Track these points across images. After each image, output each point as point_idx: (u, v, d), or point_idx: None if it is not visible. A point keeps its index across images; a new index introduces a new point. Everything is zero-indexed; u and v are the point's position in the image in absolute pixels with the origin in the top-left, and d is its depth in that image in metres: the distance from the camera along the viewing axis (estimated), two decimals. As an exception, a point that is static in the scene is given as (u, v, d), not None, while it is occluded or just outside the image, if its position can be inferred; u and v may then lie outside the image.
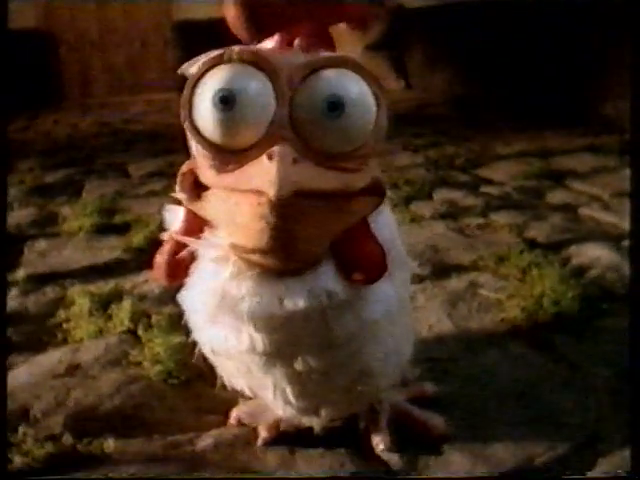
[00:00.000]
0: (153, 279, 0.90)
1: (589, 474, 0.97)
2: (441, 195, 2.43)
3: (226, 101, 0.73)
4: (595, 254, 1.78)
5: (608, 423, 1.07)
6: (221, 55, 0.76)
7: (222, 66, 0.76)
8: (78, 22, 6.39)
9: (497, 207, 2.27)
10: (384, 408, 1.05)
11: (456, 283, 1.62)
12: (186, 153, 0.83)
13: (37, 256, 1.93)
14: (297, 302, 0.79)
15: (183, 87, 0.77)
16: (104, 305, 1.53)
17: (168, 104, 5.44)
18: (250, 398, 1.11)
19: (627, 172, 2.30)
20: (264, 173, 0.71)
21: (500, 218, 2.14)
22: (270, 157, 0.72)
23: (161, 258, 0.88)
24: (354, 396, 0.94)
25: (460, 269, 1.72)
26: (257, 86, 0.75)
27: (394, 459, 1.00)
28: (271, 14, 0.78)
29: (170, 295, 1.56)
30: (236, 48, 0.76)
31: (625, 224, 1.93)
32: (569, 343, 1.32)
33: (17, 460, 1.01)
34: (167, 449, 1.04)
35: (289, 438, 1.04)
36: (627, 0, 2.70)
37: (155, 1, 6.33)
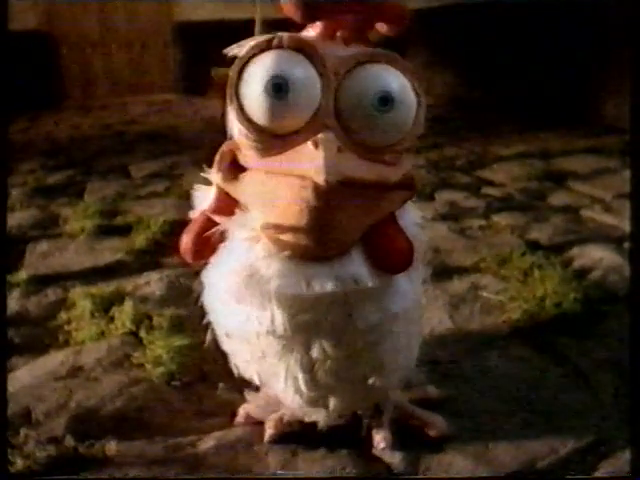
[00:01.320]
0: (178, 256, 0.91)
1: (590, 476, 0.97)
2: (443, 196, 2.43)
3: (279, 88, 0.75)
4: (597, 256, 1.78)
5: (611, 425, 1.07)
6: (270, 40, 0.78)
7: (272, 51, 0.77)
8: (79, 23, 6.38)
9: (499, 209, 2.27)
10: (388, 408, 1.05)
11: (458, 285, 1.62)
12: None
13: (39, 258, 1.93)
14: (324, 285, 0.80)
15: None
16: (106, 307, 1.52)
17: (169, 105, 5.45)
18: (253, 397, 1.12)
19: (628, 173, 2.29)
20: (310, 159, 0.74)
21: (502, 219, 2.14)
22: (316, 144, 0.74)
23: (188, 236, 0.89)
24: (364, 390, 0.95)
25: (462, 271, 1.72)
26: (307, 74, 0.77)
27: (396, 461, 1.00)
28: (326, 3, 0.79)
29: (172, 297, 1.58)
30: (286, 35, 0.78)
31: (627, 226, 1.93)
32: (571, 345, 1.32)
33: (19, 462, 1.01)
34: (169, 451, 1.04)
35: (293, 437, 1.04)
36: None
37: (156, 2, 6.32)
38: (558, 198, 2.42)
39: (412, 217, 0.90)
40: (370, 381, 0.92)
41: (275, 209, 0.79)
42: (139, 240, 1.97)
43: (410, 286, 0.88)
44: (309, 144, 0.74)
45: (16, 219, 2.30)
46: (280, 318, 0.82)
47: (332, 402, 0.95)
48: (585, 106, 3.79)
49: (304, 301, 0.81)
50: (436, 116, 4.35)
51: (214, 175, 0.84)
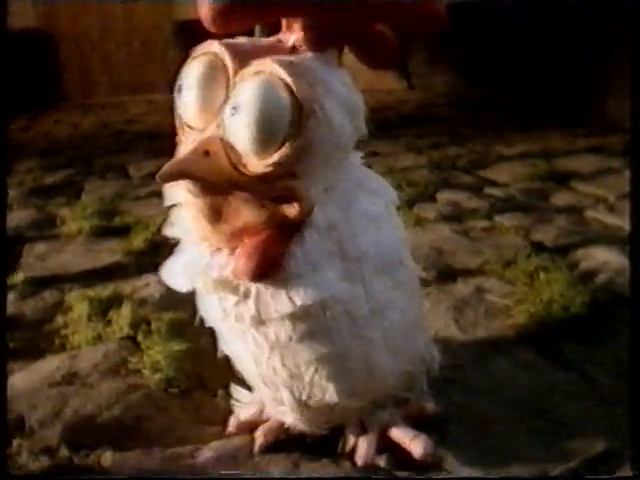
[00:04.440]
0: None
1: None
2: (445, 197, 2.40)
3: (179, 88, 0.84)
4: (603, 258, 1.75)
5: (622, 434, 1.04)
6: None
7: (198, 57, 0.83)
8: (78, 22, 6.36)
9: (502, 209, 2.24)
10: (372, 424, 1.01)
11: (462, 288, 1.59)
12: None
13: (36, 259, 1.90)
14: (220, 272, 0.83)
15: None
16: (103, 310, 1.49)
17: (169, 104, 5.41)
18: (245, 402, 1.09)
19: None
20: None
21: (505, 220, 2.11)
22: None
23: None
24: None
25: (466, 273, 1.69)
26: (203, 77, 0.79)
27: (403, 475, 0.97)
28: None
29: (171, 300, 1.55)
30: (206, 43, 0.81)
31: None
32: (579, 350, 1.29)
33: (12, 474, 0.98)
34: (167, 462, 1.01)
35: (295, 446, 1.01)
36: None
37: (156, 1, 6.29)
38: (561, 198, 2.39)
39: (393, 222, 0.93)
40: (311, 377, 0.88)
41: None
42: (137, 241, 1.94)
43: (331, 276, 0.82)
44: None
45: (14, 219, 2.27)
46: (216, 305, 0.86)
47: (288, 399, 0.93)
48: (587, 105, 3.77)
49: (219, 287, 0.84)
50: (437, 115, 4.33)
51: None
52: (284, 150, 0.74)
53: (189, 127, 0.82)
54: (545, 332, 1.35)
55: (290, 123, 0.73)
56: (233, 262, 0.81)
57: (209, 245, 0.84)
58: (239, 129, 0.74)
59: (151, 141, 3.80)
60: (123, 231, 2.09)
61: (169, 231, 0.90)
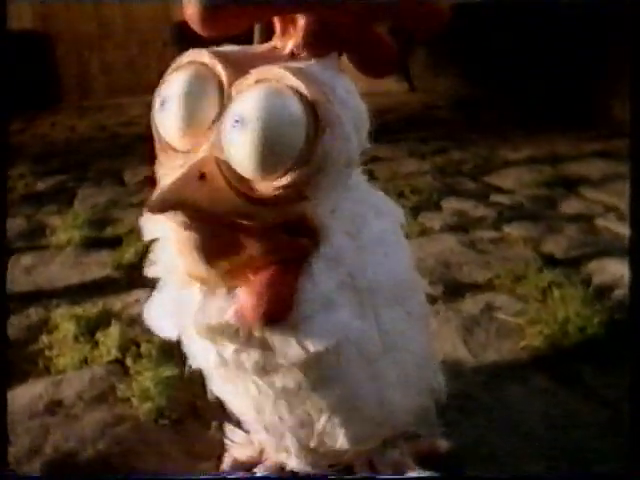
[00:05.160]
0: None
1: None
2: (450, 205, 2.32)
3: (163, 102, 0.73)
4: (618, 271, 1.67)
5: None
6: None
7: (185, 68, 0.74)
8: (75, 23, 6.28)
9: (509, 218, 2.16)
10: (381, 463, 0.93)
11: (471, 305, 1.50)
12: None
13: (22, 272, 1.81)
14: (227, 315, 0.72)
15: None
16: (91, 330, 1.41)
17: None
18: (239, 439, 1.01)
19: None
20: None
21: (514, 230, 2.03)
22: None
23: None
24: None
25: (474, 288, 1.60)
26: (193, 89, 0.69)
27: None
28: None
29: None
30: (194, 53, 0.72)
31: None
32: (598, 375, 1.21)
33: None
34: (155, 505, 0.93)
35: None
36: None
37: (154, 2, 6.22)
38: (570, 206, 2.31)
39: (399, 244, 0.83)
40: (323, 425, 0.79)
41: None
42: (129, 254, 1.85)
43: (344, 315, 0.73)
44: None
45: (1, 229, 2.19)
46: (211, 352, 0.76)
47: (295, 446, 0.84)
48: (593, 108, 3.69)
49: (216, 333, 0.73)
50: (439, 118, 4.25)
51: None
52: (298, 169, 0.64)
53: (172, 149, 0.71)
54: (561, 355, 1.26)
55: (306, 138, 0.63)
56: (235, 304, 0.70)
57: (201, 285, 0.73)
58: (243, 146, 0.63)
59: (148, 144, 3.71)
60: (115, 242, 2.00)
61: (150, 271, 0.79)
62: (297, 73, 0.65)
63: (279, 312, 0.69)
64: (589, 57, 3.65)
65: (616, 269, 1.68)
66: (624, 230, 2.01)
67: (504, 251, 1.85)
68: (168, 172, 0.69)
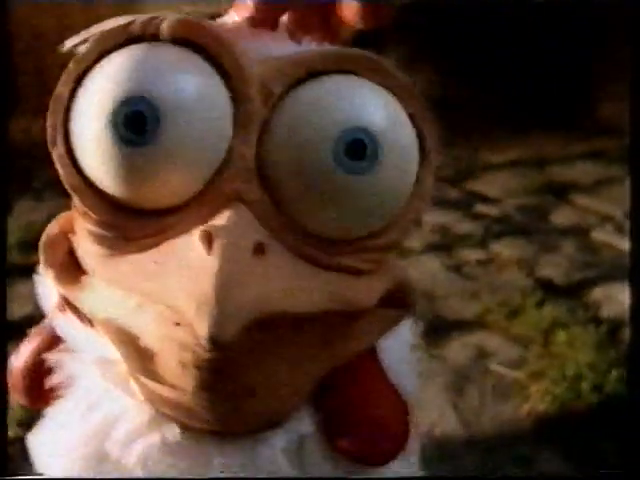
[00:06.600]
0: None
1: None
2: (431, 218, 2.09)
3: (138, 123, 0.36)
4: (625, 299, 1.45)
5: None
6: (130, 26, 0.37)
7: (138, 47, 0.37)
8: (36, 21, 6.01)
9: (498, 234, 1.95)
10: None
11: (459, 351, 1.27)
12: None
13: None
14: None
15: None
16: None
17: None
18: None
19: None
20: (192, 277, 0.34)
21: (504, 249, 1.81)
22: (208, 241, 0.34)
23: (18, 367, 0.48)
24: None
25: (463, 326, 1.37)
26: (202, 92, 0.36)
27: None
28: None
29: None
30: (163, 16, 0.37)
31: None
32: (621, 453, 0.97)
33: None
34: None
35: None
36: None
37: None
38: (563, 216, 2.14)
39: (403, 338, 0.50)
40: None
41: (143, 352, 0.38)
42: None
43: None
44: (195, 238, 0.35)
45: None
46: None
47: None
48: (579, 106, 3.59)
49: None
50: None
51: (43, 269, 0.42)
52: (406, 216, 0.38)
53: (123, 212, 0.38)
54: (575, 425, 1.02)
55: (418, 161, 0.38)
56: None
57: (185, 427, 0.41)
58: (359, 189, 0.35)
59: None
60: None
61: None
62: (386, 64, 0.39)
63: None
64: (576, 56, 3.55)
65: (624, 297, 1.47)
66: (624, 245, 1.82)
67: (494, 276, 1.63)
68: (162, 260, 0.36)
